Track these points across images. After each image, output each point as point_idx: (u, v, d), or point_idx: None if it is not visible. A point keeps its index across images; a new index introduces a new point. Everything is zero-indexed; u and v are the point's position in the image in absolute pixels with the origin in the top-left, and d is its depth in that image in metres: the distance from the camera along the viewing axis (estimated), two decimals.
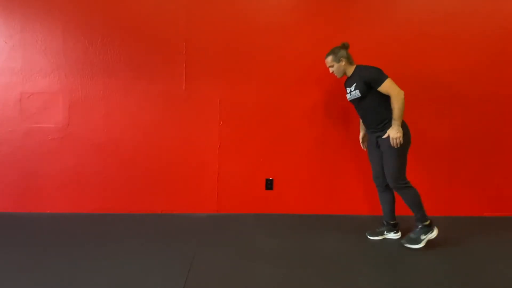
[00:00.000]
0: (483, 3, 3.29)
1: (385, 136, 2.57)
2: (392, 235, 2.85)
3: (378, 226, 2.95)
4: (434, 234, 2.65)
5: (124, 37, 3.21)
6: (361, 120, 2.87)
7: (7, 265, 2.30)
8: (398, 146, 2.52)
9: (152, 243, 2.68)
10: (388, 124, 2.58)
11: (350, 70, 2.72)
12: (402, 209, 3.02)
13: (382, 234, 2.85)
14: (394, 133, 2.50)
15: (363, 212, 3.40)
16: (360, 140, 2.97)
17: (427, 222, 2.64)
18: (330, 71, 2.78)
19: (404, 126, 2.58)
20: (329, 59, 2.73)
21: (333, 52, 2.72)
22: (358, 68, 2.68)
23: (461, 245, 2.72)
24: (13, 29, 3.17)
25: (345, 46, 2.73)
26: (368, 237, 2.85)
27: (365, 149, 2.97)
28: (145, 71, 3.24)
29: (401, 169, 2.59)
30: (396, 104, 2.49)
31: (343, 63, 2.70)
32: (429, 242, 2.69)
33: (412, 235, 2.66)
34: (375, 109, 2.61)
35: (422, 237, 2.63)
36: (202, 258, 2.45)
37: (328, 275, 2.23)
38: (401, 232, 2.89)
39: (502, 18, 3.31)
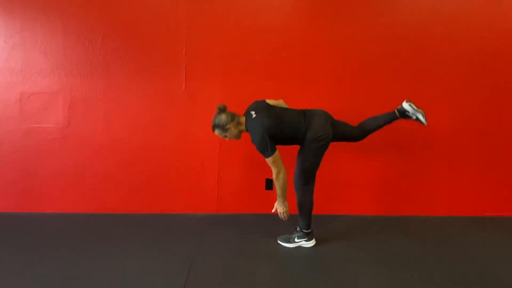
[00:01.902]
0: (483, 3, 3.29)
1: (273, 211, 2.62)
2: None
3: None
4: (309, 243, 2.66)
5: (124, 37, 3.21)
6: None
7: (7, 265, 2.30)
8: (286, 219, 2.58)
9: (152, 243, 2.68)
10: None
11: (243, 128, 2.54)
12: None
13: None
14: (280, 209, 2.56)
15: (363, 212, 3.40)
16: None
17: (308, 231, 2.66)
18: (227, 140, 2.60)
19: (314, 129, 2.48)
20: (217, 132, 2.54)
21: (215, 125, 2.51)
22: (248, 128, 2.51)
23: (461, 245, 2.72)
24: (13, 29, 3.17)
25: (222, 110, 2.52)
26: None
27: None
28: (145, 71, 3.24)
29: (304, 171, 2.58)
30: (277, 183, 2.49)
31: (232, 127, 2.49)
32: (429, 242, 2.70)
33: (290, 236, 2.69)
34: (288, 140, 2.56)
35: (296, 240, 2.67)
36: (202, 258, 2.45)
37: (328, 275, 2.23)
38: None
39: (503, 17, 3.31)
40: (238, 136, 2.60)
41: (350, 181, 3.39)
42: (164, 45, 3.22)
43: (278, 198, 2.56)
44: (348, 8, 3.26)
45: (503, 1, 3.29)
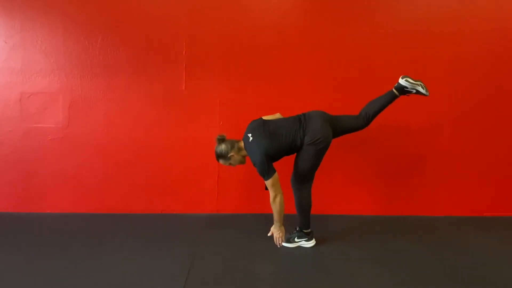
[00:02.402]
0: (482, 2, 3.29)
1: (269, 234, 2.64)
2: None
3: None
4: (309, 243, 2.65)
5: (124, 37, 3.21)
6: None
7: (7, 265, 2.30)
8: (280, 245, 2.59)
9: (152, 243, 2.68)
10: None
11: (244, 153, 2.58)
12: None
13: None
14: (276, 233, 2.59)
15: (363, 212, 3.40)
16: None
17: (308, 230, 2.66)
18: (233, 166, 2.68)
19: (312, 134, 2.48)
20: (222, 162, 2.62)
21: (218, 156, 2.59)
22: (247, 152, 2.54)
23: (461, 245, 2.72)
24: (13, 29, 3.17)
25: (221, 140, 2.59)
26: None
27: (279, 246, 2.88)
28: (145, 71, 3.24)
29: (301, 172, 2.57)
30: (274, 208, 2.51)
31: (234, 154, 2.56)
32: (429, 242, 2.70)
33: (290, 235, 2.68)
34: (285, 150, 2.54)
35: (296, 239, 2.66)
36: (202, 258, 2.45)
37: (328, 275, 2.23)
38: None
39: (503, 18, 3.31)
40: (243, 161, 2.65)
41: (350, 181, 3.39)
42: (164, 45, 3.22)
43: (274, 222, 2.59)
44: (348, 8, 3.26)
45: (503, 1, 3.29)
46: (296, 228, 2.70)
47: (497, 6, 3.28)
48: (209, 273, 2.25)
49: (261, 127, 2.55)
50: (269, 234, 2.64)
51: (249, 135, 2.55)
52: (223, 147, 2.56)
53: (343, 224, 3.13)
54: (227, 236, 2.83)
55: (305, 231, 2.65)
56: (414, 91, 2.62)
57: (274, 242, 2.70)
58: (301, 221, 2.65)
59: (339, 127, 2.63)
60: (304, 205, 2.62)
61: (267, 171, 2.45)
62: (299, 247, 2.65)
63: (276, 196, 2.49)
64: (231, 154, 2.56)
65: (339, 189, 3.39)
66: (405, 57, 3.29)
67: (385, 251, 2.59)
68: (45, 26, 3.17)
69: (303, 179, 2.59)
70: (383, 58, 3.29)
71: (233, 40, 3.24)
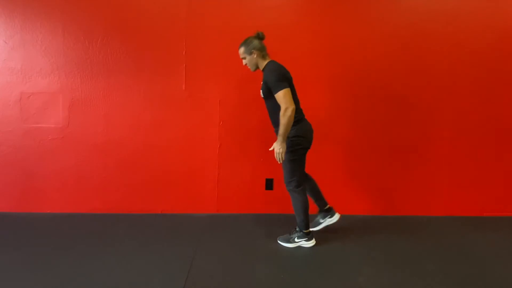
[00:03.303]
0: (482, 2, 3.29)
1: (270, 149, 2.51)
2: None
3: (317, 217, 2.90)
4: (309, 243, 2.65)
5: (124, 37, 3.21)
6: None
7: (7, 265, 2.30)
8: (280, 162, 2.49)
9: (152, 243, 2.68)
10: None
11: (263, 65, 2.56)
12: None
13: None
14: (276, 148, 2.44)
15: (363, 212, 3.40)
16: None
17: (307, 231, 2.65)
18: (243, 63, 2.61)
19: (299, 129, 2.52)
20: (241, 50, 2.55)
21: (245, 42, 2.53)
22: (267, 66, 2.53)
23: (461, 245, 2.72)
24: (13, 29, 3.17)
25: (259, 37, 2.54)
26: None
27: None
28: (145, 71, 3.24)
29: (291, 173, 2.56)
30: (282, 120, 2.38)
31: (255, 55, 2.52)
32: (429, 242, 2.70)
33: (289, 236, 2.69)
34: (275, 113, 2.51)
35: (296, 240, 2.65)
36: (202, 258, 2.45)
37: (328, 275, 2.23)
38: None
39: (502, 18, 3.31)
40: (253, 67, 2.59)
41: (349, 181, 3.39)
42: (164, 45, 3.22)
43: (278, 137, 2.44)
44: (348, 9, 3.26)
45: (503, 1, 3.29)
46: (295, 228, 2.70)
47: (497, 6, 3.29)
48: (209, 273, 2.25)
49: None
50: (270, 149, 2.51)
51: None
52: (255, 43, 2.51)
53: (343, 224, 3.13)
54: (227, 236, 2.83)
55: (304, 231, 2.65)
56: (321, 226, 2.83)
57: (273, 242, 2.70)
58: (300, 221, 2.65)
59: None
60: (300, 207, 2.61)
61: (282, 80, 2.41)
62: (299, 247, 2.65)
63: (287, 108, 2.36)
64: (255, 52, 2.51)
65: (339, 189, 3.39)
66: (405, 57, 3.30)
67: (385, 251, 2.59)
68: (45, 26, 3.17)
69: (287, 181, 2.61)
70: (383, 58, 3.29)
71: (233, 40, 3.23)
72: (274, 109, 2.52)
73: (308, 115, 3.46)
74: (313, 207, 2.78)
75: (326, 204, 2.84)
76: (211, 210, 3.36)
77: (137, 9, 3.20)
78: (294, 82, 3.32)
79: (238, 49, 2.60)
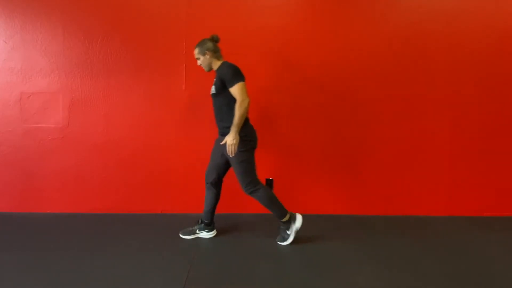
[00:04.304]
0: (482, 3, 3.29)
1: (222, 143, 2.54)
2: (205, 234, 2.79)
3: (193, 224, 2.90)
4: (298, 224, 2.66)
5: (124, 37, 3.21)
6: None
7: (7, 265, 2.30)
8: (233, 154, 2.50)
9: (152, 243, 2.68)
10: (222, 135, 2.56)
11: (217, 65, 2.63)
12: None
13: (195, 232, 2.80)
14: (229, 140, 2.47)
15: (363, 212, 3.40)
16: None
17: (287, 218, 2.66)
18: (198, 64, 2.68)
19: (248, 130, 2.57)
20: (196, 51, 2.63)
21: (199, 44, 2.62)
22: (223, 64, 2.60)
23: (461, 245, 2.72)
24: (13, 29, 3.17)
25: (213, 39, 2.64)
26: (181, 236, 2.79)
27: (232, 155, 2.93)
28: (145, 71, 3.24)
29: (246, 174, 2.58)
30: (238, 111, 2.44)
31: (208, 56, 2.60)
32: (429, 242, 2.69)
33: (281, 233, 2.70)
34: (223, 110, 2.56)
35: (288, 232, 2.67)
36: (202, 258, 2.45)
37: (328, 275, 2.23)
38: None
39: (502, 18, 3.31)
40: (207, 67, 2.65)
41: (349, 181, 3.39)
42: (164, 45, 3.22)
43: (232, 128, 2.46)
44: (348, 8, 3.26)
45: (503, 1, 3.29)
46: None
47: (497, 6, 3.28)
48: (209, 273, 2.25)
49: None
50: (221, 143, 2.55)
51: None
52: (209, 44, 2.61)
53: (342, 224, 3.13)
54: (226, 236, 2.83)
55: (284, 220, 2.66)
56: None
57: (273, 242, 2.70)
58: (275, 213, 2.65)
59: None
60: (266, 199, 2.63)
61: (239, 74, 2.49)
62: (295, 232, 2.67)
63: (244, 100, 2.45)
64: (208, 53, 2.59)
65: (339, 189, 3.39)
66: (405, 57, 3.30)
67: (384, 251, 2.59)
68: (45, 26, 3.17)
69: (244, 184, 2.63)
70: (383, 58, 3.29)
71: (233, 40, 3.24)
72: (222, 106, 2.57)
73: (308, 115, 3.47)
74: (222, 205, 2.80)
75: (212, 218, 2.83)
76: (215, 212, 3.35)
77: (137, 9, 3.20)
78: (295, 81, 3.34)
79: (194, 49, 2.67)
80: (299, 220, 2.67)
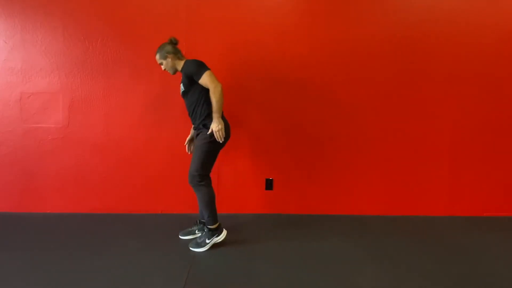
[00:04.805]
0: (482, 3, 3.29)
1: (209, 132, 2.52)
2: (216, 239, 2.66)
3: (191, 225, 2.88)
4: (220, 237, 2.63)
5: (124, 37, 3.21)
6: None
7: (7, 265, 2.30)
8: (222, 139, 2.50)
9: (152, 243, 2.68)
10: (208, 122, 2.55)
11: (180, 65, 2.64)
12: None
13: (194, 233, 2.80)
14: (215, 127, 2.47)
15: (363, 212, 3.40)
16: (186, 141, 2.94)
17: (215, 226, 2.62)
18: (162, 69, 2.71)
19: (226, 124, 2.57)
20: (157, 57, 2.67)
21: (158, 49, 2.66)
22: (185, 63, 2.61)
23: (461, 245, 2.72)
24: (13, 29, 3.17)
25: (172, 42, 2.67)
26: (180, 237, 2.78)
27: (189, 153, 2.95)
28: (145, 71, 3.24)
29: (203, 165, 2.56)
30: (214, 98, 2.46)
31: (170, 59, 2.63)
32: (429, 242, 2.69)
33: (198, 239, 2.64)
34: (196, 105, 2.59)
35: (207, 241, 2.60)
36: (202, 258, 2.45)
37: (328, 275, 2.23)
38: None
39: (502, 18, 3.31)
40: (172, 70, 2.68)
41: (349, 181, 3.39)
42: None
43: (214, 114, 2.48)
44: (348, 8, 3.26)
45: (502, 2, 3.29)
46: (202, 231, 2.69)
47: (497, 6, 3.28)
48: (209, 273, 2.25)
49: None
50: (208, 133, 2.52)
51: None
52: (168, 47, 2.63)
53: (343, 224, 3.13)
54: (227, 236, 2.83)
55: (212, 227, 2.61)
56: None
57: (273, 242, 2.70)
58: (206, 217, 2.61)
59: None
60: (205, 199, 2.60)
61: (204, 66, 2.51)
62: (213, 245, 2.61)
63: (216, 87, 2.46)
64: (169, 56, 2.62)
65: (339, 190, 3.39)
66: (404, 57, 3.30)
67: (385, 251, 2.59)
68: (45, 26, 3.17)
69: (194, 175, 2.58)
70: (383, 58, 3.29)
71: (233, 40, 3.24)
72: (194, 101, 2.59)
73: (308, 115, 3.47)
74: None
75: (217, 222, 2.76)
76: None
77: (137, 9, 3.20)
78: (295, 80, 3.34)
79: (155, 56, 2.69)
80: (223, 235, 2.64)
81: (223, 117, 2.60)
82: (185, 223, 2.98)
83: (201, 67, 2.51)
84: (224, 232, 2.66)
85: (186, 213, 3.33)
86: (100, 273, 2.21)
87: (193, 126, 2.76)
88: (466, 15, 3.28)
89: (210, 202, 2.60)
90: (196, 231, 2.81)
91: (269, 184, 3.37)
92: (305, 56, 3.26)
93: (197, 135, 2.66)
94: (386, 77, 3.31)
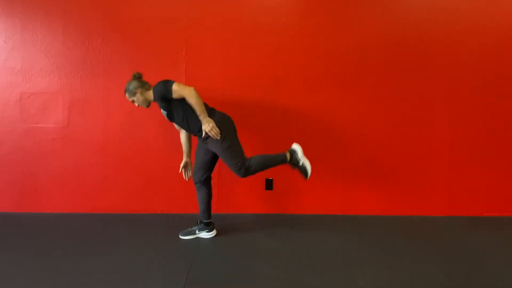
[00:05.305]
0: (482, 3, 3.28)
1: (204, 136, 2.54)
2: (204, 234, 2.81)
3: (192, 225, 2.89)
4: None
5: (124, 37, 3.21)
6: (183, 146, 2.86)
7: (7, 265, 2.30)
8: (219, 135, 2.49)
9: (152, 243, 2.68)
10: (201, 131, 2.56)
11: (151, 95, 2.63)
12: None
13: (194, 233, 2.81)
14: (206, 127, 2.47)
15: (363, 212, 3.40)
16: (181, 166, 2.91)
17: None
18: (136, 106, 2.72)
19: (218, 118, 2.56)
20: (127, 96, 2.67)
21: (126, 89, 2.65)
22: (153, 90, 2.61)
23: (461, 245, 2.72)
24: (13, 29, 3.17)
25: (135, 77, 2.66)
26: (180, 237, 2.80)
27: (187, 179, 2.97)
28: (145, 71, 3.22)
29: (235, 159, 2.58)
30: (192, 102, 2.46)
31: (139, 93, 2.62)
32: (429, 242, 2.69)
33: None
34: (186, 118, 2.58)
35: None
36: (202, 258, 2.46)
37: (328, 275, 2.23)
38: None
39: (502, 18, 3.31)
40: (145, 103, 2.68)
41: (350, 181, 3.39)
42: (164, 45, 3.22)
43: (200, 118, 2.49)
44: (347, 8, 3.26)
45: (503, 1, 3.29)
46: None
47: (497, 6, 3.28)
48: (209, 273, 2.25)
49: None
50: (203, 136, 2.55)
51: None
52: (134, 83, 2.63)
53: (343, 224, 3.13)
54: (226, 236, 2.83)
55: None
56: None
57: (273, 242, 2.71)
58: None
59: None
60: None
61: (167, 81, 2.50)
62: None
63: (190, 91, 2.45)
64: (137, 91, 2.62)
65: (339, 190, 3.39)
66: (404, 57, 3.29)
67: (385, 251, 2.59)
68: (45, 26, 3.17)
69: (238, 168, 2.62)
70: (382, 58, 3.28)
71: (233, 40, 3.24)
72: (182, 116, 2.58)
73: (308, 115, 3.47)
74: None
75: (210, 217, 2.84)
76: (211, 210, 3.35)
77: (137, 9, 3.20)
78: (295, 81, 3.34)
79: (125, 96, 2.70)
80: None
81: (217, 113, 2.62)
82: (185, 223, 2.97)
83: (166, 83, 2.49)
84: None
85: (186, 213, 3.33)
86: (100, 273, 2.21)
87: (199, 138, 2.72)
88: (466, 15, 3.27)
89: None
90: (197, 231, 2.81)
91: (269, 184, 3.37)
92: (305, 56, 3.26)
93: (205, 139, 2.62)
94: (385, 77, 3.31)
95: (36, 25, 3.17)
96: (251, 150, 3.34)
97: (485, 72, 3.33)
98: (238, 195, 3.38)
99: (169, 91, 2.47)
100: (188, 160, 2.89)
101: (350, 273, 2.25)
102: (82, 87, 3.24)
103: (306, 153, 3.35)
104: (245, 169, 2.60)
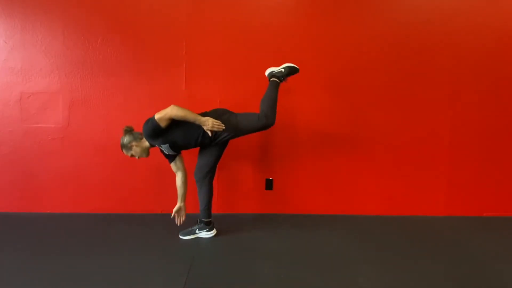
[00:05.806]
0: (482, 3, 3.28)
1: (212, 134, 2.58)
2: (204, 234, 2.82)
3: (192, 224, 2.89)
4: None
5: (124, 37, 3.21)
6: (178, 190, 2.86)
7: (7, 264, 2.30)
8: (222, 125, 2.54)
9: (152, 243, 2.68)
10: (206, 134, 2.58)
11: (146, 143, 2.66)
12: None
13: (194, 233, 2.82)
14: (207, 126, 2.51)
15: (363, 212, 3.40)
16: (174, 210, 2.85)
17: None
18: (137, 158, 2.73)
19: (212, 112, 2.65)
20: (124, 152, 2.69)
21: (121, 146, 2.67)
22: (145, 138, 2.64)
23: (461, 245, 2.72)
24: (13, 29, 3.17)
25: (127, 131, 2.68)
26: (180, 237, 2.80)
27: (179, 224, 2.89)
28: (145, 71, 3.24)
29: (252, 119, 2.65)
30: (181, 114, 2.48)
31: (134, 145, 2.64)
32: (429, 242, 2.69)
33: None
34: (188, 136, 2.61)
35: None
36: (202, 258, 2.46)
37: (328, 275, 2.23)
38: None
39: (502, 18, 3.31)
40: (144, 152, 2.70)
41: (350, 181, 3.39)
42: (164, 45, 3.22)
43: (196, 122, 2.52)
44: (348, 8, 3.26)
45: (502, 2, 3.29)
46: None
47: (497, 6, 3.28)
48: (209, 273, 2.25)
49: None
50: (211, 134, 2.56)
51: None
52: (127, 137, 2.65)
53: (343, 224, 3.13)
54: (226, 236, 2.83)
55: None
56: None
57: (273, 242, 2.71)
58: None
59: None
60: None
61: (150, 120, 2.53)
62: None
63: (171, 111, 2.48)
64: (132, 144, 2.64)
65: (339, 190, 3.39)
66: (404, 57, 3.30)
67: (385, 251, 2.59)
68: (45, 26, 3.17)
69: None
70: (382, 58, 3.29)
71: (233, 40, 3.24)
72: (183, 137, 2.61)
73: (308, 115, 3.47)
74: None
75: (210, 216, 2.84)
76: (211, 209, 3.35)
77: (137, 9, 3.20)
78: (295, 81, 3.34)
79: (122, 151, 2.72)
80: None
81: (207, 112, 2.66)
82: (185, 223, 2.98)
83: (149, 121, 2.52)
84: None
85: (187, 213, 3.32)
86: (100, 273, 2.21)
87: (210, 143, 2.70)
88: (466, 15, 3.27)
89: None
90: (197, 231, 2.81)
91: (269, 184, 3.37)
92: (305, 56, 3.26)
93: (214, 140, 2.65)
94: (385, 77, 3.31)
95: (36, 25, 3.17)
96: (251, 150, 3.35)
97: (485, 72, 3.33)
98: (238, 195, 3.38)
99: (156, 124, 2.49)
100: (182, 204, 2.86)
101: (350, 273, 2.25)
102: (82, 87, 3.24)
103: (306, 152, 3.36)
104: (265, 118, 2.62)
